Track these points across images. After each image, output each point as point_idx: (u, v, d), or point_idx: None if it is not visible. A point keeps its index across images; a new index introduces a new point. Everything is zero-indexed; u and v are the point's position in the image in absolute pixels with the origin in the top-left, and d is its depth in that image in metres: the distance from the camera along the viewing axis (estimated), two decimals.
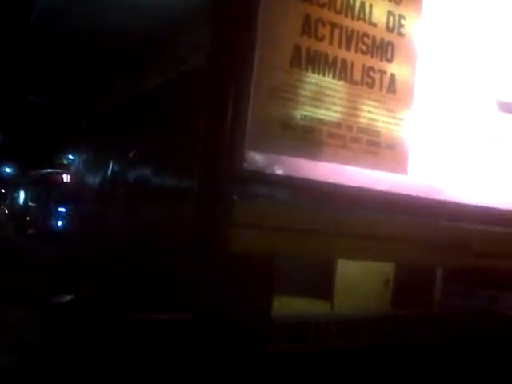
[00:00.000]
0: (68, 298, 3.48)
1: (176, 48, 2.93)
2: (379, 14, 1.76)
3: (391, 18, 1.78)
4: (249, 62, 1.49)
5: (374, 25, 1.75)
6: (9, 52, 3.74)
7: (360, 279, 2.99)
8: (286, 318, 2.39)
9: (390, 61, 1.79)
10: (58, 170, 18.19)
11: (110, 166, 4.00)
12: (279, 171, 1.56)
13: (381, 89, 1.77)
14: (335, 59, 1.66)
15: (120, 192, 3.73)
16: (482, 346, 3.21)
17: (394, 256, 1.95)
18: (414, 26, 1.84)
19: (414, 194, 1.87)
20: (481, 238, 2.06)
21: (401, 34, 1.81)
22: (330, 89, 1.66)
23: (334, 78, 1.67)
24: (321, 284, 2.87)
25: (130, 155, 3.56)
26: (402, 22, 1.81)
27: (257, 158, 1.52)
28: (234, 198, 1.49)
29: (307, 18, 1.61)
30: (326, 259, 2.29)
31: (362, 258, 2.16)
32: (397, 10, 1.80)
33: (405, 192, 1.85)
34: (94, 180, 4.52)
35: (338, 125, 1.68)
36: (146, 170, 3.33)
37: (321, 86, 1.65)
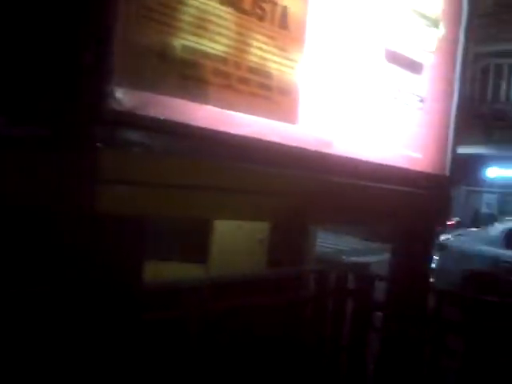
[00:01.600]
0: None
1: None
2: None
3: None
4: None
5: None
6: None
7: (235, 240, 2.82)
8: (156, 285, 2.13)
9: None
10: None
11: None
12: (155, 113, 1.25)
13: (272, 22, 1.53)
14: None
15: None
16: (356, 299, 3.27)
17: (276, 213, 1.77)
18: None
19: (303, 146, 1.69)
20: (364, 194, 1.98)
21: None
22: (216, 16, 1.38)
23: (220, 3, 1.38)
24: (195, 247, 2.64)
25: None
26: None
27: (128, 96, 1.20)
28: (99, 145, 1.16)
29: None
30: (208, 219, 2.07)
31: (244, 217, 1.96)
32: None
33: (294, 143, 1.67)
34: None
35: (225, 60, 1.41)
36: None
37: (205, 11, 1.35)
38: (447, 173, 2.44)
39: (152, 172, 1.26)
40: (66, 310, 1.50)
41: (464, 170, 18.15)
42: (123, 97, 1.18)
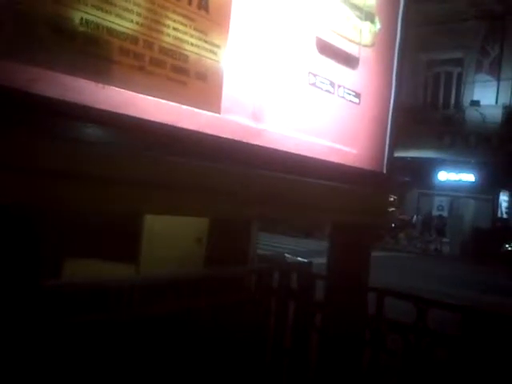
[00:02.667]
0: None
1: None
2: None
3: None
4: None
5: None
6: None
7: (170, 237, 2.70)
8: (80, 285, 1.99)
9: None
10: None
11: None
12: (49, 92, 1.14)
13: (190, 2, 1.43)
14: None
15: None
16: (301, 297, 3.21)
17: (201, 209, 1.67)
18: None
19: (226, 136, 1.61)
20: (294, 188, 1.90)
21: None
22: None
23: None
24: (125, 244, 2.50)
25: None
26: None
27: (14, 71, 1.08)
28: None
29: None
30: (115, 214, 1.94)
31: (162, 212, 1.85)
32: None
33: (217, 133, 1.57)
34: None
35: (135, 39, 1.31)
36: None
37: None
38: (384, 170, 2.41)
39: (43, 159, 1.14)
40: None
41: (416, 173, 18.66)
42: (9, 71, 1.06)
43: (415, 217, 20.08)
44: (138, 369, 2.41)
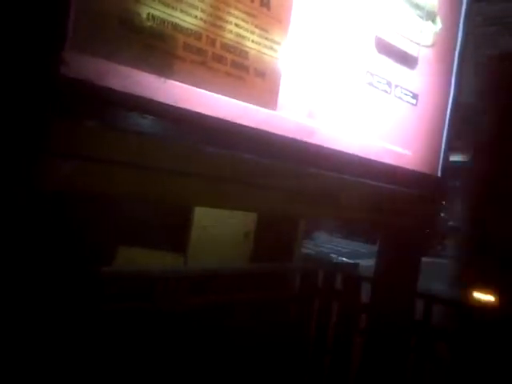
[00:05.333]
0: None
1: None
2: None
3: None
4: None
5: None
6: None
7: (218, 230, 2.74)
8: (129, 273, 2.05)
9: None
10: None
11: None
12: (114, 84, 1.17)
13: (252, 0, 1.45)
14: None
15: None
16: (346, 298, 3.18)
17: (254, 204, 1.68)
18: None
19: (282, 133, 1.61)
20: (346, 188, 1.89)
21: None
22: None
23: None
24: (175, 236, 2.56)
25: None
26: None
27: (83, 63, 1.12)
28: (49, 115, 1.08)
29: None
30: (175, 204, 1.99)
31: (217, 205, 1.87)
32: None
33: (273, 131, 1.58)
34: None
35: (198, 35, 1.33)
36: None
37: None
38: (439, 173, 2.35)
39: (109, 148, 1.18)
40: (22, 296, 1.42)
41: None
42: (78, 63, 1.10)
43: None
44: (178, 358, 2.46)
